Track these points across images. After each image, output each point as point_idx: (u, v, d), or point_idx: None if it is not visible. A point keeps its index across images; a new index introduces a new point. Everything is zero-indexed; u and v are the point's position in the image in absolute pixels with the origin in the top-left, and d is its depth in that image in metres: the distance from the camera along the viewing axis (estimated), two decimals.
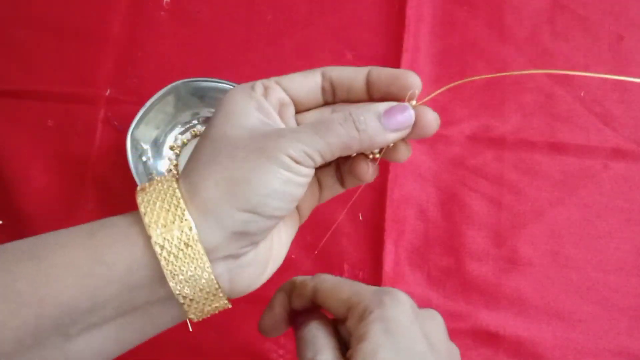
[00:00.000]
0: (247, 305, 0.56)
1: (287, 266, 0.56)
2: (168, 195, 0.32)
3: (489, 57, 0.61)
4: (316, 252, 0.57)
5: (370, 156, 0.37)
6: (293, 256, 0.56)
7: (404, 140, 0.36)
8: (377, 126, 0.34)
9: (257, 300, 0.56)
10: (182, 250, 0.31)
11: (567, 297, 0.54)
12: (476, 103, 0.60)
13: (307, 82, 0.37)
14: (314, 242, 0.56)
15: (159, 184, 0.33)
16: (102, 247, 0.32)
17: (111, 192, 0.58)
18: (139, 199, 0.32)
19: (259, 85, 0.37)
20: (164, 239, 0.31)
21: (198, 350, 0.55)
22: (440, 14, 0.62)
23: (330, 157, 0.33)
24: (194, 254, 0.31)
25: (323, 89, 0.37)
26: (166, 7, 0.63)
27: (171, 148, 0.59)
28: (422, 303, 0.55)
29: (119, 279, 0.31)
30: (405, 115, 0.34)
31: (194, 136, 0.59)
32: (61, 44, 0.62)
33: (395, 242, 0.56)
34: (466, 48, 0.61)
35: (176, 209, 0.31)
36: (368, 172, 0.37)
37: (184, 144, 0.59)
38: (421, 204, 0.57)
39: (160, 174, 0.58)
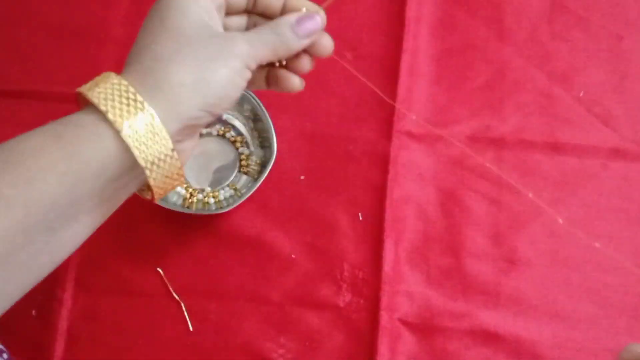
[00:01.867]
0: (247, 305, 0.56)
1: (287, 266, 0.56)
2: (122, 91, 0.35)
3: (488, 57, 0.61)
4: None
5: (277, 64, 0.42)
6: (293, 256, 0.56)
7: (307, 52, 0.42)
8: (292, 36, 0.39)
9: (257, 300, 0.56)
10: (150, 138, 0.35)
11: (567, 297, 0.54)
12: (476, 103, 0.60)
13: None
14: (314, 242, 0.57)
15: (109, 82, 0.36)
16: (74, 146, 0.35)
17: None
18: (94, 99, 0.35)
19: None
20: (134, 130, 0.34)
21: (198, 350, 0.55)
22: (440, 14, 0.62)
23: (264, 63, 0.39)
24: (160, 140, 0.35)
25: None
26: None
27: None
28: (422, 303, 0.55)
29: (94, 173, 0.35)
30: (314, 21, 0.40)
31: None
32: (61, 44, 0.62)
33: (395, 242, 0.56)
34: (466, 48, 0.61)
35: (135, 103, 0.35)
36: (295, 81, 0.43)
37: None
38: (421, 203, 0.57)
39: None
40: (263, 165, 0.56)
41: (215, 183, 0.58)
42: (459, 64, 0.61)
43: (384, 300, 0.54)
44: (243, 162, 0.58)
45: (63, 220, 0.35)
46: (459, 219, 0.57)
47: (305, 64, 0.43)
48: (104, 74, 0.37)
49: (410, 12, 0.61)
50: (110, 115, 0.34)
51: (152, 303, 0.56)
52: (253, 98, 0.56)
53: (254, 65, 0.38)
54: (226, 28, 0.41)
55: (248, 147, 0.59)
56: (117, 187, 0.37)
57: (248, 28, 0.42)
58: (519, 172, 0.58)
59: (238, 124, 0.59)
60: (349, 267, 0.56)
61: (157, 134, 0.35)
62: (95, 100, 0.35)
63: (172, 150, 0.36)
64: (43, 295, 0.56)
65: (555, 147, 0.58)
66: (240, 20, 0.42)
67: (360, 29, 0.62)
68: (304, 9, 0.40)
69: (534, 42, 0.61)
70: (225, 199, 0.57)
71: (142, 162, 0.35)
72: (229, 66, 0.36)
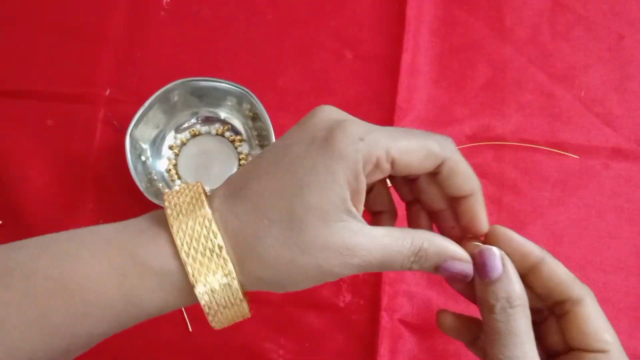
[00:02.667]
0: None
1: None
2: (207, 237, 0.31)
3: (489, 57, 0.61)
4: None
5: None
6: None
7: None
8: (432, 270, 0.34)
9: (257, 300, 0.56)
10: (227, 307, 0.32)
11: None
12: (476, 103, 0.60)
13: (421, 169, 0.34)
14: None
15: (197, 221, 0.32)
16: (137, 291, 0.32)
17: (111, 192, 0.58)
18: (182, 252, 0.31)
19: (372, 160, 0.32)
20: (210, 291, 0.32)
21: (198, 350, 0.55)
22: (440, 14, 0.62)
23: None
24: (237, 305, 0.33)
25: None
26: (166, 7, 0.63)
27: (170, 147, 0.59)
28: (422, 303, 0.55)
29: (147, 315, 0.33)
30: (463, 272, 0.34)
31: (193, 136, 0.59)
32: (61, 44, 0.62)
33: None
34: (466, 48, 0.61)
35: (219, 258, 0.31)
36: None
37: (183, 144, 0.59)
38: None
39: (159, 173, 0.58)
40: None
41: (215, 182, 0.58)
42: (459, 64, 0.61)
43: (384, 301, 0.54)
44: (242, 162, 0.58)
45: (86, 346, 0.34)
46: None
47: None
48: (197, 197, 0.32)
49: (411, 11, 0.61)
50: (188, 268, 0.31)
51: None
52: (252, 97, 0.56)
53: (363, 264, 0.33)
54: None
55: (247, 146, 0.59)
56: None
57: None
58: (519, 171, 0.57)
59: (237, 123, 0.59)
60: None
61: (232, 296, 0.32)
62: (178, 242, 0.31)
63: (241, 300, 0.32)
64: None
65: (556, 147, 0.58)
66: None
67: (360, 29, 0.62)
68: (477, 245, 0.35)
69: (534, 42, 0.61)
70: None
71: (210, 319, 0.33)
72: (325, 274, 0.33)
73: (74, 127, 0.59)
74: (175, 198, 0.33)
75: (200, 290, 0.31)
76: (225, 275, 0.31)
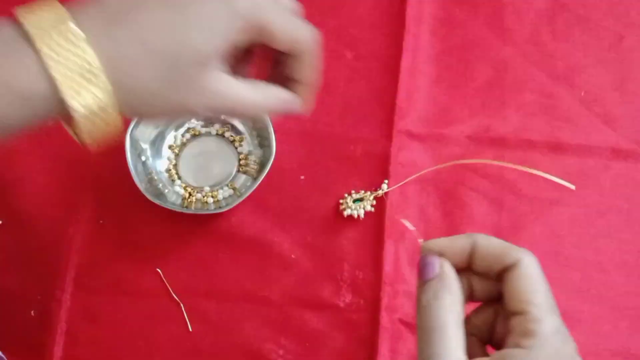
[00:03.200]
0: (247, 305, 0.56)
1: (287, 266, 0.56)
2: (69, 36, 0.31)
3: (489, 57, 0.61)
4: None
5: None
6: (293, 256, 0.56)
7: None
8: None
9: (257, 300, 0.56)
10: (103, 124, 0.33)
11: (567, 297, 0.54)
12: (476, 103, 0.60)
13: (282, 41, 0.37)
14: (314, 242, 0.56)
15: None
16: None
17: (111, 192, 0.58)
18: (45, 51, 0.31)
19: (256, 24, 0.35)
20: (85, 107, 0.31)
21: (198, 350, 0.55)
22: (440, 14, 0.62)
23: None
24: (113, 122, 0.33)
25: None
26: None
27: (170, 147, 0.59)
28: None
29: (8, 128, 0.32)
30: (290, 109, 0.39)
31: (193, 136, 0.59)
32: None
33: (395, 242, 0.56)
34: (466, 48, 0.61)
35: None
36: None
37: (183, 144, 0.59)
38: (421, 203, 0.57)
39: (159, 173, 0.58)
40: (262, 164, 0.56)
41: (214, 182, 0.58)
42: (459, 64, 0.61)
43: (385, 301, 0.54)
44: (242, 162, 0.58)
45: None
46: (460, 219, 0.57)
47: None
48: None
49: (411, 11, 0.61)
50: (61, 86, 0.31)
51: (152, 304, 0.56)
52: None
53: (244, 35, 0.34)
54: None
55: (247, 147, 0.59)
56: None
57: None
58: (519, 172, 0.57)
59: (237, 123, 0.59)
60: (349, 267, 0.56)
61: (74, 43, 0.31)
62: (48, 62, 0.31)
63: (98, 68, 0.31)
64: (42, 296, 0.56)
65: (556, 147, 0.58)
66: None
67: (361, 29, 0.62)
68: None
69: (534, 42, 0.61)
70: (224, 198, 0.57)
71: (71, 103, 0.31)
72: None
73: None
74: (34, 16, 0.31)
75: (74, 105, 0.31)
76: (103, 92, 0.31)
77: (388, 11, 0.62)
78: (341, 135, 0.59)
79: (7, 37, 0.31)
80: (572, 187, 0.56)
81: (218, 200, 0.57)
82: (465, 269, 0.35)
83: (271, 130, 0.55)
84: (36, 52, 0.30)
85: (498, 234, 0.56)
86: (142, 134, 0.56)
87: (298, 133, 0.59)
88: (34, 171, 0.59)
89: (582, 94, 0.60)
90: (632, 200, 0.57)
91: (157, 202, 0.53)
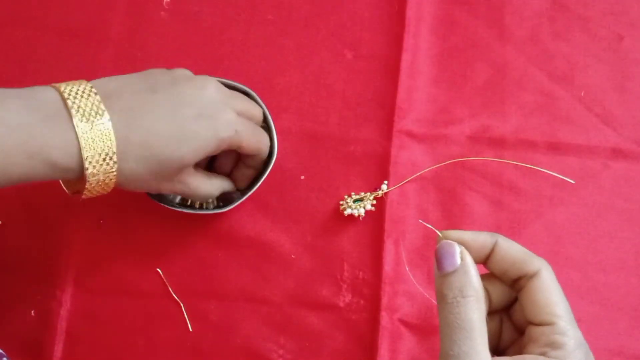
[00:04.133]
0: (247, 305, 0.56)
1: (287, 266, 0.56)
2: (90, 92, 0.42)
3: (489, 57, 0.61)
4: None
5: None
6: (293, 256, 0.56)
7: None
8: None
9: (256, 300, 0.56)
10: (98, 136, 0.40)
11: (567, 297, 0.54)
12: (476, 103, 0.60)
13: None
14: (314, 242, 0.56)
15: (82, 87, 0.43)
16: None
17: (111, 191, 0.58)
18: (64, 92, 0.41)
19: (227, 144, 0.49)
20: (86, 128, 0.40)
21: (198, 350, 0.55)
22: (440, 14, 0.62)
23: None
24: (107, 140, 0.41)
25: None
26: (166, 7, 0.63)
27: None
28: (422, 303, 0.55)
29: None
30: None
31: None
32: (61, 44, 0.62)
33: (395, 242, 0.56)
34: (466, 48, 0.61)
35: (97, 108, 0.41)
36: None
37: None
38: (421, 203, 0.57)
39: None
40: (264, 164, 0.56)
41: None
42: (459, 64, 0.61)
43: (385, 301, 0.54)
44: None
45: None
46: (459, 219, 0.57)
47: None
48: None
49: (411, 11, 0.61)
50: (73, 111, 0.39)
51: (152, 303, 0.56)
52: (254, 95, 0.56)
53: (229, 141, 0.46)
54: None
55: None
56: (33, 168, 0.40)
57: None
58: (519, 171, 0.57)
59: None
60: (349, 267, 0.56)
61: (106, 135, 0.40)
62: (62, 90, 0.41)
63: (114, 154, 0.40)
64: (42, 296, 0.56)
65: (556, 147, 0.58)
66: None
67: (360, 29, 0.62)
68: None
69: (534, 42, 0.61)
70: (224, 197, 0.57)
71: (84, 154, 0.39)
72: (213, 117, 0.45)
73: None
74: (73, 90, 0.41)
75: (91, 180, 0.41)
76: (112, 174, 0.42)
77: (388, 11, 0.62)
78: (341, 135, 0.59)
79: (54, 108, 0.39)
80: (572, 181, 0.56)
81: (218, 200, 0.57)
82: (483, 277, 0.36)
83: (273, 130, 0.55)
84: (76, 134, 0.39)
85: (498, 233, 0.56)
86: None
87: (298, 133, 0.59)
88: None
89: (582, 94, 0.60)
90: (632, 200, 0.57)
91: (157, 200, 0.53)
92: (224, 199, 0.56)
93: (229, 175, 0.54)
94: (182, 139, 0.43)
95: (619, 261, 0.55)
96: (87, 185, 0.41)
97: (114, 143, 0.40)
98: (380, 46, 0.61)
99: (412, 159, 0.58)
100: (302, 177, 0.58)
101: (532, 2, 0.62)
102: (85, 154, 0.39)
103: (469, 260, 0.35)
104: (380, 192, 0.56)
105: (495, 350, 0.36)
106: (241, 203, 0.54)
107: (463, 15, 0.62)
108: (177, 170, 0.45)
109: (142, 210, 0.57)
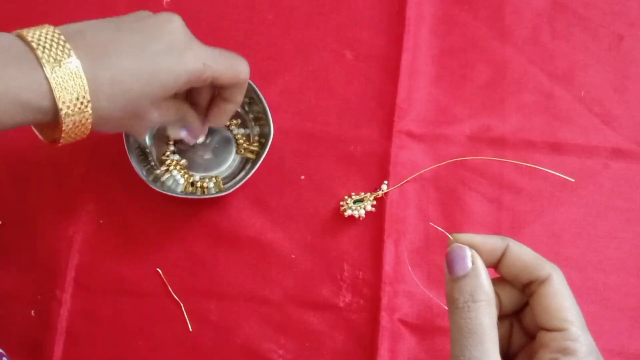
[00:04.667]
0: (247, 305, 0.56)
1: (287, 266, 0.56)
2: (56, 36, 0.40)
3: (489, 57, 0.61)
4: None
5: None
6: (293, 256, 0.56)
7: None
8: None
9: (256, 300, 0.56)
10: (71, 80, 0.39)
11: None
12: (476, 103, 0.60)
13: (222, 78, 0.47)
14: (314, 242, 0.56)
15: (46, 28, 0.40)
16: None
17: (111, 192, 0.58)
18: (27, 36, 0.39)
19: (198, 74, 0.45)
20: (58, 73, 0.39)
21: (198, 350, 0.55)
22: (440, 14, 0.62)
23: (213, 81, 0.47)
24: (79, 84, 0.39)
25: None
26: (166, 7, 0.63)
27: (167, 143, 0.59)
28: (422, 303, 0.55)
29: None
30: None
31: None
32: None
33: (395, 242, 0.56)
34: (466, 48, 0.61)
35: (64, 48, 0.40)
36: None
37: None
38: (421, 203, 0.57)
39: (158, 164, 0.58)
40: (262, 145, 0.56)
41: (214, 167, 0.58)
42: (459, 64, 0.61)
43: (384, 301, 0.54)
44: (239, 140, 0.58)
45: None
46: (460, 219, 0.57)
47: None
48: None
49: (411, 11, 0.61)
50: (39, 52, 0.38)
51: (152, 303, 0.56)
52: (252, 84, 0.56)
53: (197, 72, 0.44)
54: None
55: (244, 128, 0.59)
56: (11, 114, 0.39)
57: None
58: (519, 172, 0.57)
59: None
60: (349, 267, 0.56)
61: (76, 74, 0.39)
62: (25, 34, 0.39)
63: (87, 92, 0.39)
64: (42, 296, 0.56)
65: (556, 147, 0.58)
66: None
67: (360, 29, 0.62)
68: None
69: (534, 42, 0.61)
70: (225, 182, 0.57)
71: (59, 103, 0.38)
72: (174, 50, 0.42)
73: None
74: (38, 35, 0.39)
75: (67, 122, 0.39)
76: (87, 115, 0.40)
77: (388, 11, 0.62)
78: (341, 135, 0.59)
79: (17, 51, 0.38)
80: (572, 179, 0.56)
81: (218, 182, 0.57)
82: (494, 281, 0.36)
83: (267, 108, 0.55)
84: (45, 74, 0.38)
85: (498, 233, 0.56)
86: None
87: (298, 133, 0.59)
88: (34, 171, 0.59)
89: (582, 94, 0.60)
90: (632, 200, 0.57)
91: (156, 188, 0.53)
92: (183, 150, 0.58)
93: (205, 110, 0.52)
94: (151, 75, 0.42)
95: (619, 261, 0.56)
96: (64, 128, 0.40)
97: (85, 81, 0.39)
98: (380, 46, 0.61)
99: (412, 159, 0.58)
100: (302, 177, 0.58)
101: (532, 2, 0.62)
102: (57, 94, 0.38)
103: (480, 264, 0.34)
104: (380, 192, 0.56)
105: (505, 355, 0.36)
106: (241, 203, 0.54)
107: (463, 15, 0.62)
108: (147, 107, 0.43)
109: (142, 210, 0.57)
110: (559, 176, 0.57)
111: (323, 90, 0.60)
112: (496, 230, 0.56)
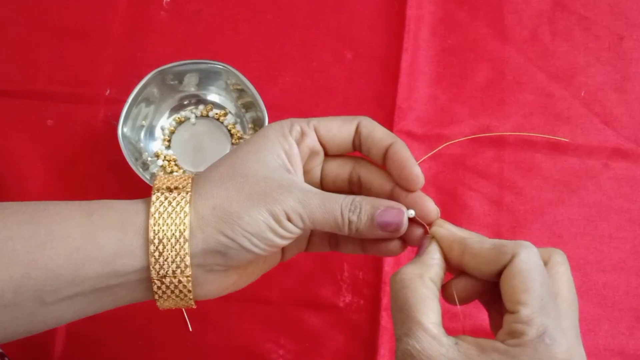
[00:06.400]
0: (247, 305, 0.56)
1: (287, 266, 0.56)
2: (178, 208, 0.36)
3: (489, 57, 0.61)
4: None
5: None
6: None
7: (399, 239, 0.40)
8: (369, 223, 0.37)
9: (257, 300, 0.56)
10: (172, 245, 0.35)
11: None
12: (476, 103, 0.60)
13: (343, 132, 0.39)
14: None
15: (174, 195, 0.37)
16: (96, 227, 0.35)
17: (111, 192, 0.58)
18: (152, 207, 0.36)
19: (296, 127, 0.38)
20: (160, 232, 0.35)
21: (198, 350, 0.55)
22: (440, 14, 0.62)
23: (320, 229, 0.37)
24: (179, 250, 0.35)
25: (354, 141, 0.39)
26: (166, 7, 0.63)
27: (162, 128, 0.59)
28: None
29: (104, 259, 0.34)
30: (397, 220, 0.38)
31: (179, 123, 0.59)
32: (61, 44, 0.62)
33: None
34: (466, 48, 0.61)
35: (178, 216, 0.35)
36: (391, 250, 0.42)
37: (172, 132, 0.59)
38: None
39: (155, 160, 0.58)
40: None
41: (211, 162, 0.58)
42: (459, 64, 0.61)
43: (385, 301, 0.54)
44: (233, 130, 0.59)
45: (57, 297, 0.35)
46: (460, 219, 0.57)
47: (392, 248, 0.41)
48: (186, 180, 0.38)
49: (411, 11, 0.61)
50: (151, 221, 0.35)
51: (152, 303, 0.56)
52: (234, 71, 0.56)
53: (301, 224, 0.36)
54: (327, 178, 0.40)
55: (233, 118, 0.59)
56: (121, 283, 0.37)
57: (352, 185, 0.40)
58: (519, 172, 0.57)
59: (219, 100, 0.59)
60: (349, 267, 0.56)
61: (179, 243, 0.35)
62: (152, 208, 0.36)
63: (187, 267, 0.35)
64: None
65: (556, 147, 0.58)
66: (340, 168, 0.40)
67: (360, 29, 0.62)
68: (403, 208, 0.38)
69: (534, 42, 0.61)
70: None
71: (152, 264, 0.35)
72: (267, 209, 0.35)
73: (74, 127, 0.59)
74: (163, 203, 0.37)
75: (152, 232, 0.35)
76: (179, 224, 0.35)
77: (388, 11, 0.62)
78: None
79: (136, 220, 0.36)
80: (566, 140, 0.56)
81: None
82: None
83: (259, 100, 0.55)
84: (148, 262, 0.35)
85: (498, 234, 0.56)
86: (130, 130, 0.56)
87: None
88: (34, 171, 0.59)
89: (582, 93, 0.60)
90: (632, 200, 0.57)
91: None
92: None
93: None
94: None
95: (619, 261, 0.55)
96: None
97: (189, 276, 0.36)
98: (380, 46, 0.61)
99: None
100: None
101: (532, 2, 0.62)
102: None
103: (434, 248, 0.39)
104: None
105: None
106: None
107: (463, 15, 0.62)
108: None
109: None
110: (559, 176, 0.57)
111: (323, 90, 0.60)
112: (496, 230, 0.56)
